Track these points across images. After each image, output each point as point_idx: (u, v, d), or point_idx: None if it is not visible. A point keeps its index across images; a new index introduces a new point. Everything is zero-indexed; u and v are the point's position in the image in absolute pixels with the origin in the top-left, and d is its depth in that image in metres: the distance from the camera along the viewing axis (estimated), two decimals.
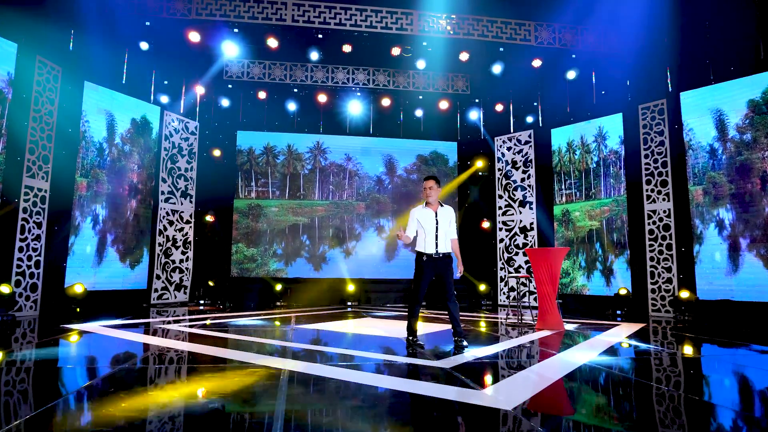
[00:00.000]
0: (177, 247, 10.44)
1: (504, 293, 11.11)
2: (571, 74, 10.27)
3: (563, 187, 10.62)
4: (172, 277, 10.29)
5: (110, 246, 9.04)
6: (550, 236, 10.69)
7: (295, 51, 10.26)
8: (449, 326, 4.95)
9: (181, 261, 10.50)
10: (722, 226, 8.06)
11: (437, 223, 4.79)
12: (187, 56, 9.84)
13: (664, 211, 8.84)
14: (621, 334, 6.02)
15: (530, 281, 10.24)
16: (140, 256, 9.67)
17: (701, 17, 8.51)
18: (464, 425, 2.40)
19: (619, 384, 3.38)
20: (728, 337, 5.69)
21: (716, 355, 4.80)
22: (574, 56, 9.88)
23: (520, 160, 11.27)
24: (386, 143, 12.23)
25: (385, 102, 11.71)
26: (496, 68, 10.35)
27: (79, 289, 7.93)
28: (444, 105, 11.82)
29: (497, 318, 8.31)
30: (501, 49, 9.75)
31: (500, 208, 11.43)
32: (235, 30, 9.19)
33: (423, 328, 6.26)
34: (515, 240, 11.14)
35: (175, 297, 10.33)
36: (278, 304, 10.62)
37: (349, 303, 10.90)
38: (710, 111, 8.32)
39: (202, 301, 10.50)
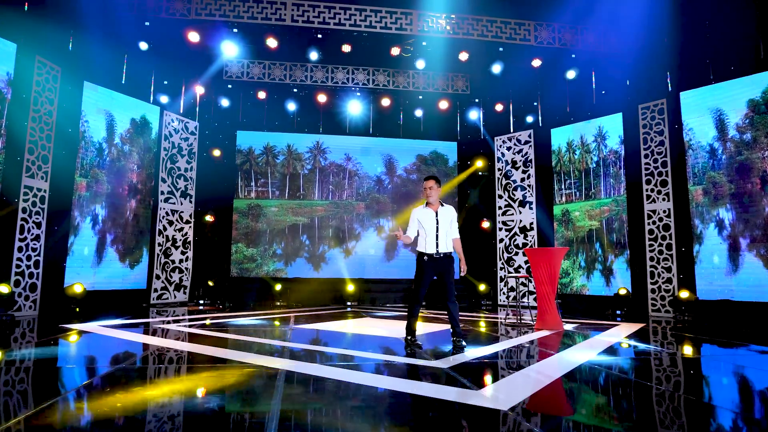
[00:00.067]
0: (177, 247, 10.44)
1: (504, 293, 11.10)
2: (570, 74, 10.26)
3: (563, 187, 10.62)
4: (171, 277, 10.29)
5: (110, 246, 9.04)
6: (550, 236, 10.68)
7: (294, 51, 10.26)
8: (449, 326, 4.95)
9: (181, 261, 10.50)
10: (722, 226, 8.05)
11: (437, 223, 4.78)
12: (186, 56, 9.84)
13: (664, 211, 8.83)
14: (620, 334, 6.01)
15: (530, 281, 10.23)
16: (140, 256, 9.67)
17: (701, 17, 8.50)
18: (460, 425, 2.39)
19: (617, 384, 3.37)
20: (728, 337, 5.68)
21: (715, 355, 4.79)
22: (573, 56, 9.87)
23: (520, 160, 11.26)
24: (386, 143, 12.23)
25: (385, 102, 11.71)
26: (496, 68, 10.34)
27: (78, 288, 7.93)
28: (444, 105, 11.81)
29: (497, 318, 8.30)
30: (501, 48, 9.74)
31: (500, 208, 11.43)
32: (235, 30, 9.19)
33: (422, 328, 6.26)
34: (515, 240, 11.13)
35: (175, 297, 10.33)
36: (278, 304, 10.63)
37: (349, 303, 10.89)
38: (710, 111, 8.31)
39: (201, 301, 10.50)
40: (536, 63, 10.09)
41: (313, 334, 5.99)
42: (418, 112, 12.12)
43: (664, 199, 8.85)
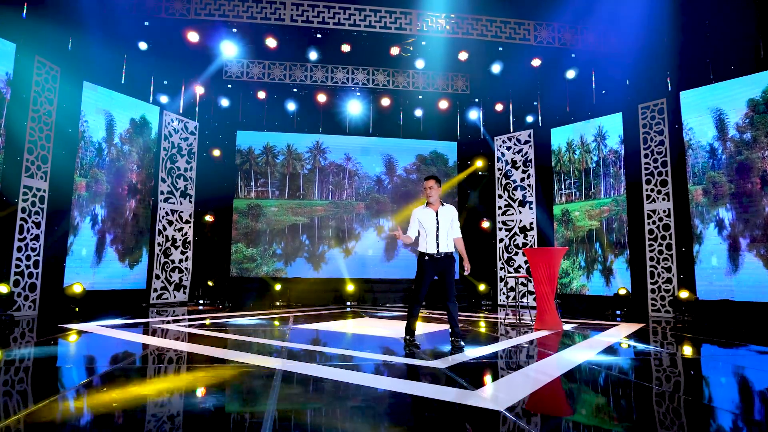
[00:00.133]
0: (176, 247, 10.45)
1: (504, 293, 11.09)
2: (570, 74, 10.25)
3: (563, 186, 10.60)
4: (171, 276, 10.29)
5: (109, 246, 9.05)
6: (550, 236, 10.67)
7: (294, 51, 10.25)
8: (448, 326, 4.94)
9: (181, 261, 10.51)
10: (722, 226, 8.03)
11: (438, 223, 4.78)
12: (186, 56, 9.84)
13: (664, 211, 8.82)
14: (619, 334, 6.00)
15: (529, 281, 10.22)
16: (139, 256, 9.68)
17: (701, 16, 8.49)
18: (456, 426, 2.39)
19: (616, 384, 3.36)
20: (728, 338, 5.67)
21: (715, 355, 4.78)
22: (573, 56, 9.86)
23: (520, 160, 11.25)
24: (386, 143, 12.22)
25: (385, 102, 11.70)
26: (496, 68, 10.33)
27: (78, 288, 7.94)
28: (444, 105, 11.80)
29: (497, 318, 8.29)
30: (500, 48, 9.73)
31: (500, 207, 11.42)
32: (234, 30, 9.19)
33: (422, 328, 6.25)
34: (515, 240, 11.12)
35: (175, 297, 10.34)
36: (278, 303, 10.63)
37: (349, 303, 10.89)
38: (710, 110, 8.30)
39: (201, 301, 10.50)
40: (536, 63, 10.08)
41: (312, 334, 5.98)
42: (418, 112, 12.12)
43: (664, 199, 8.84)
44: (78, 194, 8.51)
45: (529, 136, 11.20)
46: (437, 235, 4.76)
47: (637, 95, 9.35)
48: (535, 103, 11.19)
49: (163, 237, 10.19)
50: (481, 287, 10.93)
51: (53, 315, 7.32)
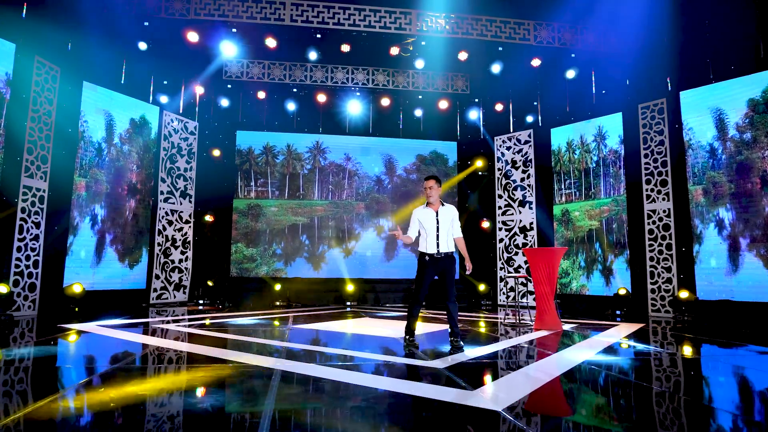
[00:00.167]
0: (176, 247, 10.45)
1: (504, 293, 11.08)
2: (570, 73, 10.24)
3: (563, 186, 10.60)
4: (171, 276, 10.29)
5: (109, 246, 9.05)
6: (550, 236, 10.66)
7: (294, 51, 10.25)
8: (448, 326, 4.94)
9: (181, 261, 10.51)
10: (722, 226, 8.02)
11: (438, 223, 4.77)
12: (186, 56, 9.84)
13: (664, 211, 8.81)
14: (619, 334, 6.00)
15: (529, 281, 10.21)
16: (139, 256, 9.68)
17: (701, 16, 8.48)
18: (453, 425, 2.38)
19: (614, 384, 3.36)
20: (727, 338, 5.66)
21: (714, 355, 4.78)
22: (573, 55, 9.85)
23: (520, 160, 11.25)
24: (386, 143, 12.22)
25: (385, 102, 11.70)
26: (496, 68, 10.33)
27: (77, 288, 7.94)
28: (443, 105, 11.80)
29: (496, 318, 8.29)
30: (500, 48, 9.73)
31: (500, 207, 11.41)
32: (234, 30, 9.19)
33: (422, 327, 6.25)
34: (515, 240, 11.11)
35: (175, 297, 10.34)
36: (277, 303, 10.62)
37: (349, 303, 10.89)
38: (710, 110, 8.29)
39: (201, 301, 10.50)
40: (536, 63, 10.08)
41: (312, 335, 5.98)
42: (418, 112, 12.11)
43: (664, 199, 8.83)
44: (78, 194, 8.51)
45: (529, 136, 11.19)
46: (437, 235, 4.75)
47: (637, 95, 9.34)
48: (535, 103, 11.18)
49: (162, 237, 10.19)
50: (481, 287, 10.92)
51: (53, 315, 7.32)
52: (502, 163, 11.51)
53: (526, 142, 11.21)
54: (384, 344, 5.16)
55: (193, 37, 9.13)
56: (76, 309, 7.83)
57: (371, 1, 9.02)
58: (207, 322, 7.03)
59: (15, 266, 7.26)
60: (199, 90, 10.87)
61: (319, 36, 9.49)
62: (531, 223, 10.92)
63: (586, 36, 9.63)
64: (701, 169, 8.36)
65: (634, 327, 6.77)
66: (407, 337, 4.89)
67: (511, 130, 11.51)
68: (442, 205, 4.88)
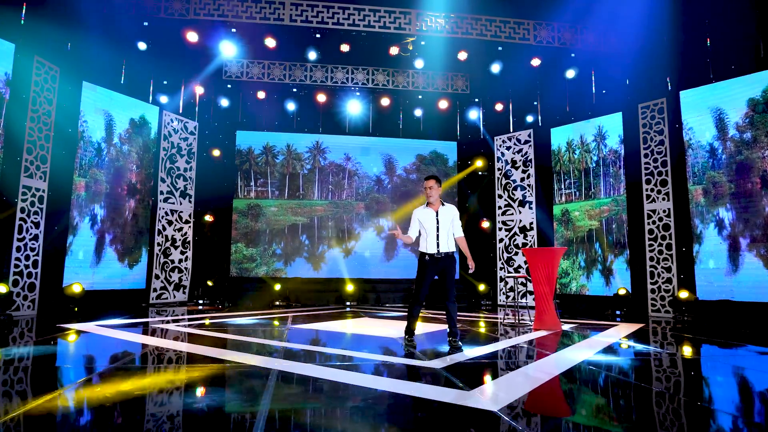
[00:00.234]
0: (176, 247, 10.45)
1: (504, 293, 11.07)
2: (570, 73, 10.23)
3: (563, 186, 10.58)
4: (171, 276, 10.29)
5: (109, 246, 9.06)
6: (550, 236, 10.65)
7: (294, 51, 10.26)
8: (447, 326, 4.93)
9: (180, 261, 10.51)
10: (722, 226, 8.01)
11: (438, 223, 4.76)
12: (185, 56, 9.85)
13: (664, 211, 8.79)
14: (618, 334, 5.99)
15: (529, 281, 10.20)
16: (139, 256, 9.68)
17: (701, 16, 8.46)
18: (448, 426, 2.38)
19: (612, 385, 3.35)
20: (727, 338, 5.65)
21: (713, 355, 4.76)
22: (573, 55, 9.84)
23: (520, 160, 11.23)
24: (386, 143, 12.21)
25: (385, 101, 11.70)
26: (495, 67, 10.33)
27: (77, 288, 7.94)
28: (443, 104, 11.79)
29: (496, 318, 8.28)
30: (500, 48, 9.72)
31: (500, 207, 11.40)
32: (233, 30, 9.20)
33: (421, 327, 6.24)
34: (515, 240, 11.10)
35: (174, 297, 10.34)
36: (277, 303, 10.62)
37: (348, 303, 10.89)
38: (710, 110, 8.27)
39: (201, 301, 10.50)
40: (536, 62, 10.07)
41: (310, 334, 5.98)
42: (418, 112, 12.11)
43: (663, 199, 8.81)
44: (77, 194, 8.52)
45: (529, 135, 11.18)
46: (437, 235, 4.75)
47: (637, 95, 9.32)
48: (535, 103, 11.17)
49: (162, 237, 10.19)
50: (481, 287, 10.91)
51: (52, 315, 7.33)
52: (502, 163, 11.49)
53: (526, 141, 11.20)
54: (383, 344, 5.15)
55: (192, 37, 9.13)
56: (76, 309, 7.83)
57: (370, 0, 9.02)
58: (207, 322, 7.03)
59: (14, 266, 7.27)
60: (198, 90, 10.88)
61: (318, 36, 9.49)
62: (531, 223, 10.90)
63: (586, 36, 9.62)
64: (701, 168, 8.35)
65: (633, 327, 6.76)
66: (406, 337, 4.89)
67: (511, 130, 11.50)
68: (443, 204, 4.87)
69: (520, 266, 10.87)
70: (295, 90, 11.43)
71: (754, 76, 7.73)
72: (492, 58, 10.18)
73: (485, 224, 11.59)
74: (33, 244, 7.54)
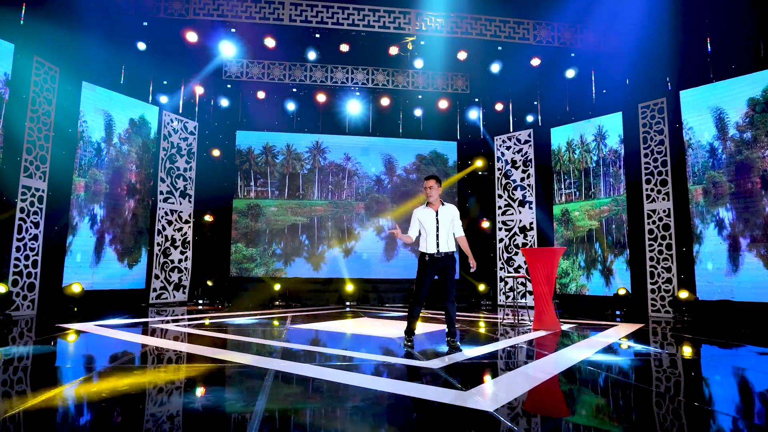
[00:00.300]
0: (176, 247, 10.46)
1: (504, 293, 11.05)
2: (570, 73, 10.22)
3: (563, 186, 10.57)
4: (170, 276, 10.30)
5: (108, 246, 9.06)
6: (550, 236, 10.64)
7: (293, 51, 10.26)
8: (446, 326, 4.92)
9: (180, 261, 10.51)
10: (722, 226, 7.99)
11: (438, 223, 4.75)
12: (185, 56, 9.85)
13: (664, 211, 8.78)
14: (618, 334, 5.97)
15: (529, 281, 10.18)
16: (139, 256, 9.69)
17: (701, 16, 8.44)
18: (443, 426, 2.37)
19: (610, 385, 3.34)
20: (726, 338, 5.63)
21: (712, 355, 4.75)
22: (573, 55, 9.83)
23: (520, 160, 11.22)
24: (385, 143, 12.21)
25: (385, 101, 11.69)
26: (495, 67, 10.32)
27: (76, 288, 7.95)
28: (443, 104, 11.78)
29: (496, 318, 8.27)
30: (500, 48, 9.71)
31: (500, 207, 11.39)
32: (233, 30, 9.20)
33: (421, 327, 6.22)
34: (515, 240, 11.09)
35: (174, 296, 10.35)
36: (277, 303, 10.62)
37: (348, 303, 10.88)
38: (710, 109, 8.25)
39: (200, 301, 10.50)
40: (535, 62, 10.06)
41: (309, 334, 5.97)
42: (418, 112, 12.10)
43: (663, 199, 8.80)
44: (77, 194, 8.52)
45: (529, 135, 11.17)
46: (437, 235, 4.74)
47: (637, 94, 9.31)
48: (535, 103, 11.15)
49: (162, 237, 10.20)
50: (481, 287, 10.90)
51: (52, 315, 7.33)
52: (502, 162, 11.48)
53: (526, 141, 11.19)
54: (381, 344, 5.15)
55: (192, 37, 9.14)
56: (75, 309, 7.84)
57: (370, 0, 9.01)
58: (206, 322, 7.03)
59: (14, 266, 7.27)
60: (198, 90, 10.88)
61: (318, 36, 9.49)
62: (531, 223, 10.89)
63: (586, 35, 9.60)
64: (701, 168, 8.33)
65: (633, 327, 6.74)
66: (406, 337, 4.88)
67: (511, 130, 11.49)
68: (442, 204, 4.86)
69: (520, 266, 10.86)
70: (294, 90, 11.43)
71: (754, 76, 7.71)
72: (492, 58, 10.18)
73: (485, 224, 11.58)
74: (32, 244, 7.55)
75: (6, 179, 7.17)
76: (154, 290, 9.96)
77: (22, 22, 7.48)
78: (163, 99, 10.29)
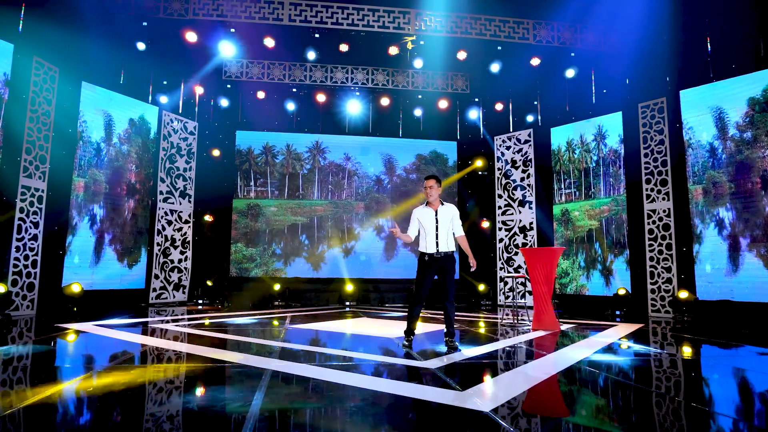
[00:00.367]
0: (176, 247, 10.46)
1: (503, 293, 11.03)
2: (570, 73, 10.20)
3: (563, 186, 10.56)
4: (170, 276, 10.30)
5: (108, 245, 9.07)
6: (550, 236, 10.62)
7: (293, 51, 10.26)
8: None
9: (180, 261, 10.52)
10: (722, 226, 7.97)
11: (437, 222, 4.74)
12: (184, 56, 9.84)
13: (664, 211, 8.76)
14: (617, 334, 5.96)
15: (528, 281, 10.17)
16: (138, 256, 9.69)
17: (701, 15, 8.43)
18: (439, 426, 2.36)
19: (607, 385, 3.33)
20: (726, 338, 5.62)
21: (711, 355, 4.74)
22: (573, 54, 9.82)
23: (520, 160, 11.21)
24: (385, 143, 12.20)
25: (384, 101, 11.68)
26: (495, 67, 10.31)
27: (76, 288, 7.95)
28: (443, 104, 11.78)
29: (496, 318, 8.26)
30: (499, 48, 9.70)
31: (500, 207, 11.37)
32: (232, 30, 9.20)
33: (420, 327, 6.21)
34: (515, 240, 11.08)
35: (174, 296, 10.35)
36: (276, 303, 10.62)
37: (348, 303, 10.88)
38: (710, 109, 8.24)
39: (200, 301, 10.50)
40: (535, 62, 10.04)
41: (308, 334, 5.97)
42: (418, 112, 12.09)
43: (663, 199, 8.78)
44: (76, 194, 8.53)
45: (529, 135, 11.15)
46: (437, 234, 4.73)
47: (637, 94, 9.29)
48: (535, 103, 11.14)
49: (162, 237, 10.20)
50: (481, 287, 10.89)
51: (51, 315, 7.34)
52: (501, 162, 11.47)
53: (526, 141, 11.18)
54: (380, 344, 5.14)
55: (191, 37, 9.14)
56: (75, 309, 7.84)
57: (369, 0, 9.01)
58: (206, 322, 7.03)
59: (13, 266, 7.28)
60: (198, 90, 10.89)
61: (317, 36, 9.48)
62: (531, 223, 10.88)
63: (586, 35, 9.59)
64: (701, 168, 8.31)
65: (632, 327, 6.73)
66: (405, 337, 4.87)
67: (511, 130, 11.48)
68: (442, 204, 4.85)
69: (520, 266, 10.85)
70: (294, 90, 11.43)
71: (755, 75, 7.69)
72: (492, 58, 10.17)
73: (485, 224, 11.57)
74: (32, 244, 7.56)
75: (6, 179, 7.18)
76: (154, 290, 9.96)
77: (21, 22, 7.49)
78: (163, 99, 10.30)
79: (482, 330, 6.55)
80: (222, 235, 11.40)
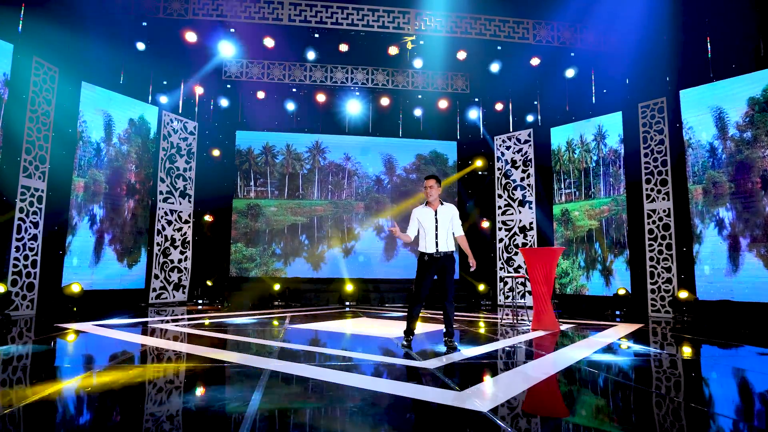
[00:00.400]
0: (175, 247, 10.46)
1: (503, 293, 11.03)
2: (570, 73, 10.19)
3: (563, 186, 10.55)
4: (170, 276, 10.30)
5: (108, 245, 9.07)
6: (550, 236, 10.62)
7: (293, 51, 10.25)
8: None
9: (180, 261, 10.52)
10: (722, 226, 7.97)
11: (437, 222, 4.74)
12: (184, 56, 9.85)
13: (664, 211, 8.76)
14: (617, 334, 5.96)
15: (528, 281, 10.17)
16: (138, 256, 9.69)
17: (701, 15, 8.42)
18: (437, 426, 2.36)
19: (605, 385, 3.33)
20: (726, 338, 5.62)
21: (710, 355, 4.73)
22: (573, 54, 9.81)
23: (520, 160, 11.21)
24: (385, 143, 12.20)
25: (384, 101, 11.68)
26: (495, 67, 10.30)
27: (76, 288, 7.95)
28: (443, 104, 11.77)
29: (496, 318, 8.26)
30: (499, 47, 9.70)
31: (500, 207, 11.37)
32: (232, 30, 9.20)
33: (420, 327, 6.21)
34: (515, 240, 11.07)
35: (174, 296, 10.35)
36: (276, 303, 10.62)
37: (348, 303, 10.87)
38: (710, 109, 8.23)
39: (200, 301, 10.51)
40: (535, 62, 10.04)
41: (307, 334, 5.97)
42: (418, 112, 12.09)
43: (663, 199, 8.78)
44: (76, 194, 8.53)
45: (529, 135, 11.15)
46: (436, 234, 4.73)
47: (637, 94, 9.29)
48: (535, 103, 11.14)
49: (162, 237, 10.20)
50: (481, 287, 10.89)
51: (51, 315, 7.34)
52: (501, 162, 11.47)
53: (526, 141, 11.17)
54: (379, 344, 5.14)
55: (191, 37, 9.14)
56: (75, 309, 7.84)
57: (369, 0, 9.01)
58: (206, 322, 7.03)
59: (13, 266, 7.28)
60: (198, 90, 10.89)
61: (317, 36, 9.48)
62: (531, 223, 10.88)
63: (586, 35, 9.58)
64: (701, 168, 8.31)
65: (632, 327, 6.73)
66: (405, 337, 4.87)
67: (511, 130, 11.47)
68: (441, 204, 4.85)
69: (519, 266, 10.84)
70: (294, 90, 11.43)
71: (755, 75, 7.69)
72: (491, 58, 10.16)
73: (485, 224, 11.57)
74: (32, 244, 7.56)
75: (5, 179, 7.18)
76: (154, 290, 9.97)
77: (21, 22, 7.49)
78: (163, 99, 10.30)
79: (482, 330, 6.55)
80: (222, 235, 11.40)
